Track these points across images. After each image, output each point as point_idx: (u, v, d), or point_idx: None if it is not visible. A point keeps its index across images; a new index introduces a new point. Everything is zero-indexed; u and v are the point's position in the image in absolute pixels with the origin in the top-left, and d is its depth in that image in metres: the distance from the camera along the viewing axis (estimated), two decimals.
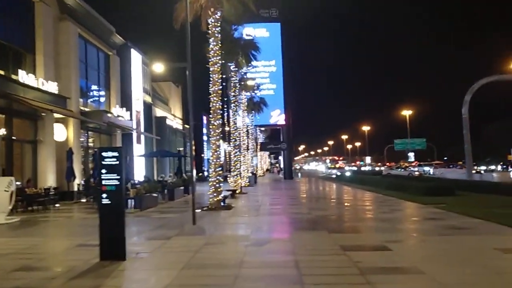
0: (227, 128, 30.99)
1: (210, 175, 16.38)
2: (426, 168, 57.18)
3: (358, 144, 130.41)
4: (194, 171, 15.45)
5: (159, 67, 24.64)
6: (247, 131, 36.85)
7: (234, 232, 10.80)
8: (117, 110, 26.28)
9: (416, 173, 50.61)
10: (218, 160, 16.21)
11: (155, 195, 18.52)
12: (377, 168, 77.99)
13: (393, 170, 62.20)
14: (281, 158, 65.51)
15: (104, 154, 7.42)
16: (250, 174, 36.12)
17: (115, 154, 7.40)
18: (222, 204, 16.13)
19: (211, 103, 16.19)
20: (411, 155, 79.19)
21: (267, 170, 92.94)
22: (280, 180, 48.10)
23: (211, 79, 16.22)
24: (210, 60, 16.29)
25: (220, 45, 16.49)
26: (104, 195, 7.28)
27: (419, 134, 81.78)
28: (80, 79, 23.30)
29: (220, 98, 16.32)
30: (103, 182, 7.30)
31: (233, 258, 7.37)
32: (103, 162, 7.34)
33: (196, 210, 15.29)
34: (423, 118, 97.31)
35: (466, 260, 6.89)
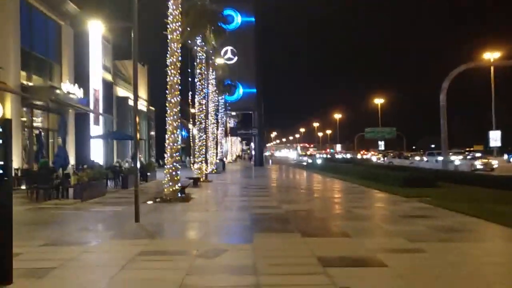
0: (193, 110, 28.62)
1: (166, 161, 14.09)
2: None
3: (329, 132, 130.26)
4: (139, 156, 13.16)
5: (98, 26, 21.88)
6: (216, 114, 34.50)
7: (184, 234, 8.63)
8: (67, 87, 23.29)
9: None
10: (175, 144, 13.92)
11: (104, 182, 16.16)
12: (359, 156, 74.91)
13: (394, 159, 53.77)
14: (252, 144, 63.57)
15: None
16: (218, 161, 33.91)
17: None
18: (179, 195, 13.92)
19: (168, 76, 13.81)
20: (381, 143, 79.24)
21: (238, 156, 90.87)
22: (250, 167, 46.10)
23: (169, 48, 13.81)
24: (168, 26, 13.85)
25: (180, 9, 14.05)
26: None
27: (390, 123, 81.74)
28: (22, 50, 20.27)
29: (179, 71, 13.95)
30: None
31: (169, 279, 5.25)
32: None
33: (148, 202, 13.13)
34: (394, 107, 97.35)
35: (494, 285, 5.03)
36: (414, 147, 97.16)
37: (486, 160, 33.55)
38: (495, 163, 32.88)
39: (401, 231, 8.35)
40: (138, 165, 10.32)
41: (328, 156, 77.04)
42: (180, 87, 14.00)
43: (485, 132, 51.35)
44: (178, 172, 13.95)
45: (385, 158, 60.73)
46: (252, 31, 47.25)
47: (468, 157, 40.43)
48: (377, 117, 78.77)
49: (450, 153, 42.26)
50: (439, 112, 31.25)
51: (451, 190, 16.60)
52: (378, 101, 79.87)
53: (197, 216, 11.03)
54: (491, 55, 41.73)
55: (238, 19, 47.09)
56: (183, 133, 51.82)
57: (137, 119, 10.06)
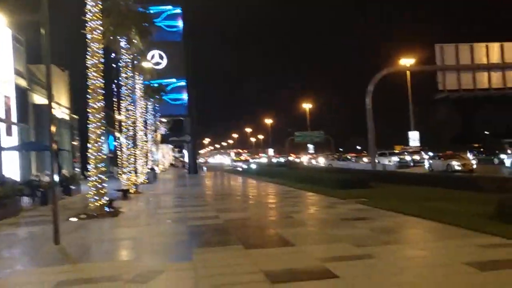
0: (119, 117, 26.95)
1: (89, 173, 12.78)
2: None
3: (261, 136, 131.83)
4: (56, 169, 11.81)
5: (6, 29, 19.81)
6: (145, 121, 32.89)
7: (113, 255, 7.63)
8: None
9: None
10: (99, 154, 12.68)
11: (18, 199, 14.37)
12: (297, 160, 75.63)
13: (334, 161, 55.19)
14: (185, 151, 61.97)
15: None
16: (149, 170, 32.30)
17: None
18: (107, 209, 12.69)
19: (89, 79, 12.56)
20: (311, 147, 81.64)
21: (171, 164, 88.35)
22: (184, 175, 44.73)
23: (89, 49, 12.58)
24: (87, 24, 12.61)
25: (100, 6, 12.87)
26: None
27: (319, 126, 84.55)
28: None
29: (101, 74, 12.75)
30: None
31: None
32: None
33: (71, 219, 11.77)
34: (323, 111, 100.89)
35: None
36: (341, 149, 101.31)
37: (464, 161, 29.94)
38: (474, 163, 30.04)
39: (344, 236, 8.10)
40: (58, 178, 9.11)
41: (265, 160, 77.64)
42: (103, 92, 12.80)
43: (404, 132, 54.82)
44: (105, 185, 12.72)
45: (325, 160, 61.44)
46: (180, 35, 46.17)
47: (426, 156, 40.42)
48: (306, 121, 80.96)
49: (405, 153, 42.86)
50: (364, 114, 32.64)
51: (384, 190, 17.01)
52: (307, 105, 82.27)
53: (127, 232, 10.00)
54: (407, 61, 44.63)
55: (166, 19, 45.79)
56: (113, 142, 49.11)
57: (54, 128, 8.86)
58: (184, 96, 46.27)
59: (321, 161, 60.87)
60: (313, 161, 63.26)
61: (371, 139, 32.19)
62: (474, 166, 29.28)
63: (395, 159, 41.30)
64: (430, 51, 30.64)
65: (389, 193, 15.30)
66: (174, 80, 44.90)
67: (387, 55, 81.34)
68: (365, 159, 48.49)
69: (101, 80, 12.67)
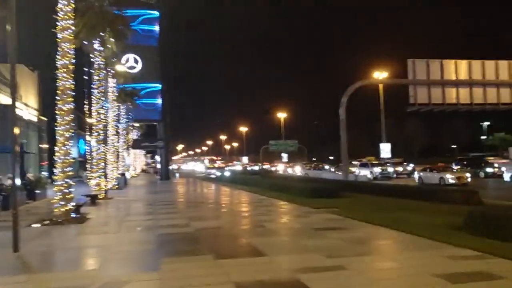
0: (91, 120, 26.20)
1: (56, 177, 12.28)
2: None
3: (235, 144, 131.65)
4: (19, 173, 11.31)
5: None
6: (117, 125, 32.18)
7: (76, 264, 7.27)
8: None
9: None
10: (67, 158, 12.22)
11: None
12: (273, 168, 74.70)
13: (310, 171, 51.29)
14: (158, 157, 61.01)
15: None
16: (119, 175, 31.54)
17: None
18: (73, 215, 12.23)
19: (59, 80, 12.13)
20: (285, 156, 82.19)
21: (143, 170, 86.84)
22: (155, 181, 43.95)
23: (60, 49, 12.17)
24: (58, 23, 12.20)
25: (73, 5, 12.50)
26: None
27: (293, 136, 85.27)
28: None
29: (71, 75, 12.34)
30: None
31: None
32: None
33: (34, 225, 11.27)
34: (297, 121, 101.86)
35: None
36: (314, 159, 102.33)
37: (459, 175, 28.26)
38: (468, 176, 28.09)
39: (317, 246, 8.03)
40: (21, 182, 8.67)
41: (239, 168, 77.25)
42: (73, 94, 12.39)
43: (375, 144, 55.77)
44: (71, 189, 12.27)
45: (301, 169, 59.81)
46: (156, 39, 45.62)
47: (409, 167, 40.61)
48: (284, 129, 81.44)
49: (388, 165, 40.19)
50: (337, 124, 33.07)
51: (354, 200, 17.14)
52: (281, 115, 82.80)
53: (93, 240, 9.62)
54: (380, 74, 45.67)
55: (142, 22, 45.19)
56: (84, 146, 47.84)
57: (18, 129, 8.44)
58: (158, 101, 45.61)
59: (298, 170, 60.66)
60: (290, 170, 63.01)
61: (344, 149, 32.58)
62: (469, 180, 27.47)
63: (377, 170, 38.95)
64: (404, 66, 31.39)
65: (360, 203, 15.43)
66: (148, 84, 44.20)
67: (363, 68, 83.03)
68: (353, 169, 46.82)
69: (71, 81, 12.27)
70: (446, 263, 6.52)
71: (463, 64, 31.70)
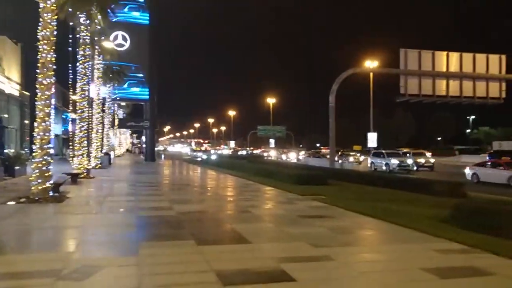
0: (74, 97, 25.47)
1: (34, 154, 11.80)
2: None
3: (223, 128, 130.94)
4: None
5: None
6: (103, 104, 31.42)
7: (51, 246, 6.89)
8: None
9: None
10: (46, 134, 11.72)
11: None
12: (265, 154, 71.94)
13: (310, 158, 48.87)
14: (144, 138, 60.19)
15: None
16: (103, 155, 30.93)
17: None
18: (51, 193, 11.79)
19: (39, 53, 11.54)
20: (272, 141, 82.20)
21: (128, 150, 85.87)
22: (141, 162, 43.40)
23: (41, 19, 11.55)
24: None
25: None
26: None
27: (281, 121, 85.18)
28: None
29: (53, 48, 11.75)
30: None
31: None
32: None
33: (9, 203, 10.82)
34: (286, 105, 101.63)
35: None
36: (301, 145, 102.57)
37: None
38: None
39: (302, 234, 7.80)
40: None
41: (227, 152, 76.58)
42: (55, 67, 11.81)
43: (362, 134, 55.87)
44: (50, 167, 11.80)
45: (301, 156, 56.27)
46: (147, 18, 44.43)
47: (432, 159, 35.36)
48: (272, 115, 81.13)
49: (407, 155, 35.32)
50: (326, 112, 32.87)
51: (342, 188, 17.01)
52: (271, 100, 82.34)
53: (71, 220, 9.24)
54: (371, 63, 45.46)
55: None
56: (68, 123, 46.87)
57: None
58: (145, 80, 44.69)
59: (292, 156, 59.42)
60: (284, 156, 61.60)
61: (332, 137, 32.45)
62: None
63: (394, 161, 32.72)
64: (397, 56, 31.15)
65: (347, 192, 15.28)
66: (137, 64, 43.17)
67: (356, 57, 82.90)
68: (351, 159, 44.07)
69: (52, 54, 11.68)
70: (435, 256, 6.35)
71: (454, 56, 31.61)
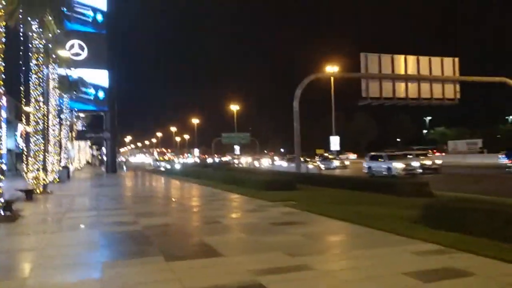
0: (28, 109, 24.14)
1: None
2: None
3: (187, 136, 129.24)
4: None
5: None
6: (59, 115, 29.99)
7: (2, 273, 6.22)
8: None
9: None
10: None
11: None
12: (236, 161, 70.87)
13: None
14: (104, 149, 58.22)
15: None
16: (62, 168, 29.48)
17: None
18: (2, 212, 10.90)
19: None
20: (237, 148, 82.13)
21: (88, 162, 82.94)
22: (101, 174, 41.83)
23: None
24: None
25: None
26: None
27: (246, 128, 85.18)
28: None
29: (1, 56, 10.93)
30: None
31: None
32: None
33: None
34: (250, 113, 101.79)
35: None
36: (265, 151, 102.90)
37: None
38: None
39: (277, 243, 7.50)
40: None
41: (191, 161, 75.54)
42: (3, 77, 10.99)
43: (324, 138, 56.69)
44: (1, 184, 10.92)
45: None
46: (104, 27, 43.17)
47: (439, 161, 32.70)
48: (233, 122, 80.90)
49: (410, 156, 32.02)
50: (289, 117, 32.95)
51: (310, 192, 16.87)
52: (234, 107, 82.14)
53: (25, 241, 8.49)
54: (332, 68, 46.24)
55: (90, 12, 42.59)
56: (21, 136, 44.53)
57: None
58: (104, 90, 43.26)
59: (265, 162, 58.97)
60: (256, 163, 60.98)
61: (297, 142, 32.51)
62: None
63: (397, 165, 28.16)
64: (357, 60, 31.75)
65: (316, 196, 15.16)
66: (95, 74, 41.72)
67: (317, 61, 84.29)
68: (335, 162, 44.24)
69: (1, 62, 10.86)
70: (414, 259, 6.21)
71: (412, 59, 32.64)
